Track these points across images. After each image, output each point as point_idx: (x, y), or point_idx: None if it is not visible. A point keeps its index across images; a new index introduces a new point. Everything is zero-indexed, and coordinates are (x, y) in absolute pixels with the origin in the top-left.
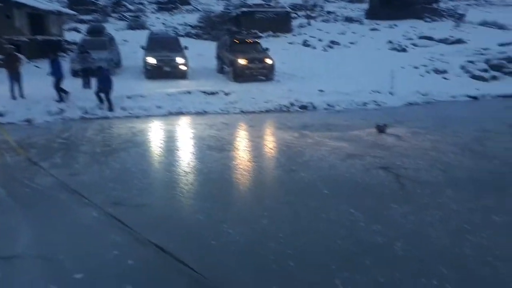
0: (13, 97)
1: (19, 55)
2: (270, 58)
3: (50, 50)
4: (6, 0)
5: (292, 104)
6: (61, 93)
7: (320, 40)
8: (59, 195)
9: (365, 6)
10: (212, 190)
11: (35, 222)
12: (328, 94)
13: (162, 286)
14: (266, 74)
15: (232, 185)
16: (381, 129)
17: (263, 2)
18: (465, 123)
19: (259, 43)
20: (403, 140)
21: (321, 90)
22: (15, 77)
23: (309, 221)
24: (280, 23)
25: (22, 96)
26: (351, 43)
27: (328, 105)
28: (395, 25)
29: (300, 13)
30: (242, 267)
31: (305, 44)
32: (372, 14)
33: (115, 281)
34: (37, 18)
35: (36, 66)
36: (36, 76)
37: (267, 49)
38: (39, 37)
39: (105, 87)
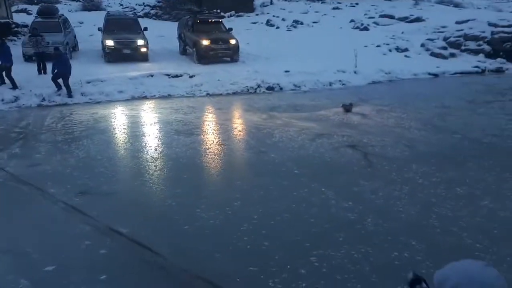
0: None
1: None
2: (234, 38)
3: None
4: None
5: (258, 86)
6: (13, 81)
7: (283, 19)
8: (21, 187)
9: None
10: (182, 175)
11: None
12: (294, 75)
13: (136, 273)
14: (230, 55)
15: (203, 170)
16: (347, 108)
17: None
18: (427, 100)
19: (222, 23)
20: (369, 118)
21: (287, 71)
22: None
23: (281, 201)
24: (242, 2)
25: None
26: (314, 22)
27: (295, 85)
28: (357, 3)
29: None
30: (217, 250)
31: (269, 24)
32: None
33: (89, 272)
34: None
35: None
36: None
37: (230, 29)
38: None
39: (63, 72)
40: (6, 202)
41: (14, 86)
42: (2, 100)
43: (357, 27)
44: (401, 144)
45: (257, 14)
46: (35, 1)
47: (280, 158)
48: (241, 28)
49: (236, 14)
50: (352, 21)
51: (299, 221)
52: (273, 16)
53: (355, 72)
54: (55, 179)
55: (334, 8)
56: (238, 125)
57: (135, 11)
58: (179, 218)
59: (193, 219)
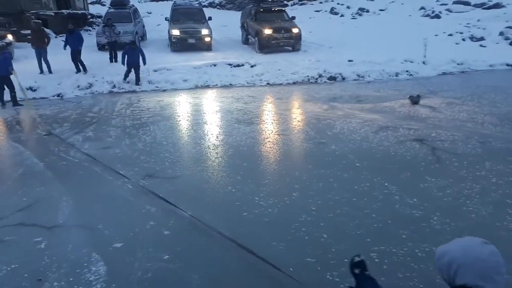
0: (41, 72)
1: (47, 30)
2: (297, 27)
3: (70, 22)
4: None
5: (320, 75)
6: (83, 65)
7: (348, 7)
8: (94, 167)
9: None
10: (242, 163)
11: (73, 194)
12: (358, 64)
13: (198, 254)
14: (292, 44)
15: (262, 158)
16: (414, 100)
17: None
18: (503, 93)
19: (285, 11)
20: (438, 111)
21: (350, 60)
22: (42, 52)
23: (341, 194)
24: None
25: (49, 71)
26: (381, 10)
27: (358, 75)
28: None
29: None
30: (275, 238)
31: (333, 11)
32: None
33: (153, 250)
34: None
35: (63, 41)
36: (63, 51)
37: (293, 17)
38: (65, 11)
39: (133, 63)
40: (80, 181)
41: (84, 70)
42: (78, 86)
43: (428, 15)
44: (474, 140)
45: (321, 2)
46: None
47: (341, 150)
48: (304, 17)
49: (300, 2)
50: (422, 8)
51: (359, 215)
52: (338, 3)
53: (424, 63)
54: (124, 162)
55: None
56: (297, 115)
57: (201, 0)
58: (239, 204)
59: (252, 207)
